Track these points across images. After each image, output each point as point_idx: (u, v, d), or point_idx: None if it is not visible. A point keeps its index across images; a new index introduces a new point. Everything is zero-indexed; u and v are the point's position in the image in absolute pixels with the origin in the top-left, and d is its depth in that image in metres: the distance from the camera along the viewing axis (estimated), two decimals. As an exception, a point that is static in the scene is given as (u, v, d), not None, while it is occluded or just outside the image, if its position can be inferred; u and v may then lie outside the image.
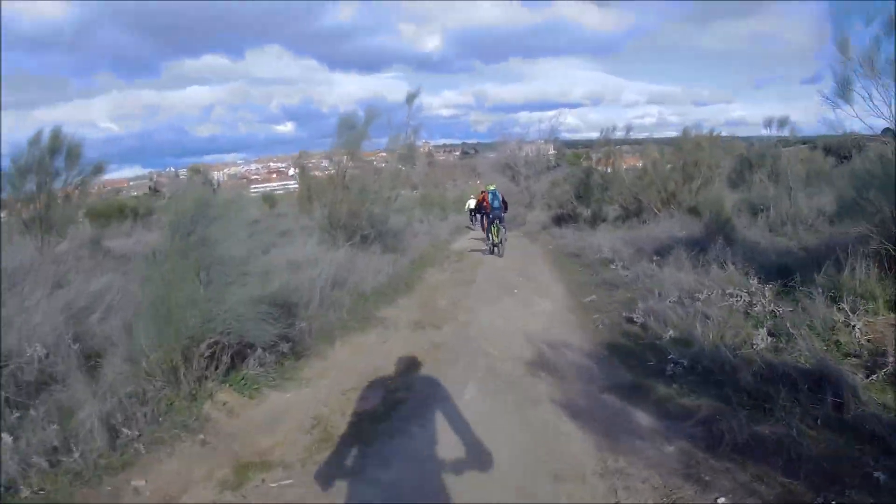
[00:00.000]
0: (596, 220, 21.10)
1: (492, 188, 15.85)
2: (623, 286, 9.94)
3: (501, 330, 8.14)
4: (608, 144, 21.83)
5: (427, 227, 23.67)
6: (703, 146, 18.50)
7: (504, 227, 15.30)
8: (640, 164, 20.76)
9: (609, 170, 21.12)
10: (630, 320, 7.69)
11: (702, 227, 12.57)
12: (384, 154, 15.54)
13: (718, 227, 12.00)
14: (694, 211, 17.99)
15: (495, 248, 15.05)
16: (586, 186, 22.62)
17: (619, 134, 21.05)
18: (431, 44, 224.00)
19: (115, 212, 21.04)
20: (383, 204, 13.70)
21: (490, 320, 8.84)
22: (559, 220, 23.86)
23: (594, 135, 26.38)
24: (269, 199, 34.72)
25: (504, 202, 15.22)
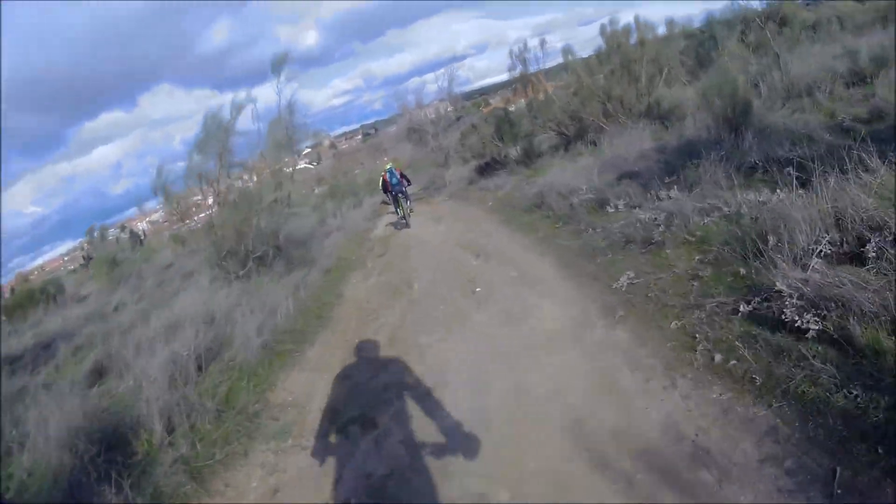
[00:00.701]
0: (530, 157, 16.94)
1: (388, 167, 15.27)
2: (662, 240, 5.68)
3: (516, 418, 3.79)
4: (523, 77, 17.56)
5: (341, 220, 20.09)
6: (640, 41, 14.61)
7: (408, 200, 15.20)
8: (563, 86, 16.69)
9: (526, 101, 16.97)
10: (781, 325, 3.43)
11: (713, 122, 8.49)
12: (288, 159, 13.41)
13: (737, 116, 8.00)
14: (651, 114, 14.16)
15: (407, 219, 14.59)
16: (509, 122, 18.29)
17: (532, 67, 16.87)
18: (310, 39, 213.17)
19: (26, 300, 17.59)
20: (269, 212, 10.87)
21: (468, 376, 4.47)
22: (484, 170, 19.53)
23: (488, 81, 23.86)
24: (178, 239, 28.79)
25: (403, 176, 15.02)
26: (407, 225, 14.38)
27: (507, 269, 7.37)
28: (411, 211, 15.12)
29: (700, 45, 14.57)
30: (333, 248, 13.58)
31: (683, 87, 14.78)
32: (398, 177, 14.70)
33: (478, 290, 6.77)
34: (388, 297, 7.92)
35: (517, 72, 17.36)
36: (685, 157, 7.72)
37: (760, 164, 6.39)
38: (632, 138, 11.60)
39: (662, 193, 6.79)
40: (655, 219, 6.12)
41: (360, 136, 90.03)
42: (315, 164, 79.48)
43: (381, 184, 15.47)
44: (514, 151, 17.82)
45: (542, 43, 16.28)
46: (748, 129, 7.71)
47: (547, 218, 9.35)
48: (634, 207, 7.04)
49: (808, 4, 14.40)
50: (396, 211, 15.38)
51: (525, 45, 16.52)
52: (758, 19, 13.50)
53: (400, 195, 14.69)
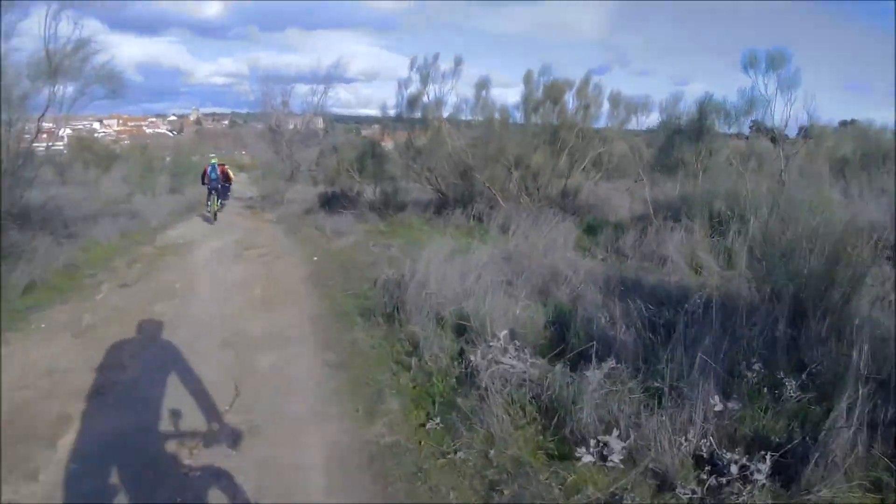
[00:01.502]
0: (390, 206, 12.14)
1: (213, 161, 14.74)
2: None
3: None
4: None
5: (148, 202, 15.58)
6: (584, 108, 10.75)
7: (221, 198, 14.89)
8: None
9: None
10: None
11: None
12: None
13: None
14: (563, 203, 10.21)
15: (214, 215, 14.05)
16: (375, 156, 13.36)
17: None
18: (212, 10, 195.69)
19: None
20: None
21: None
22: (329, 202, 14.35)
23: (368, 111, 20.22)
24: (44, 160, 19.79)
25: (226, 175, 14.98)
26: (212, 220, 13.94)
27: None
28: (219, 209, 14.70)
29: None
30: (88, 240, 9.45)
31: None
32: (218, 173, 14.35)
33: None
34: None
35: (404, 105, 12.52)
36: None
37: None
38: (548, 231, 7.29)
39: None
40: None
41: (227, 122, 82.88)
42: (175, 133, 72.12)
43: (201, 175, 14.63)
44: (370, 191, 12.83)
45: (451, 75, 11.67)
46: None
47: (405, 371, 4.26)
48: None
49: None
50: (207, 203, 14.64)
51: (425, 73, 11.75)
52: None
53: (214, 191, 14.25)
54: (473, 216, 10.60)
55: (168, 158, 24.11)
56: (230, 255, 9.35)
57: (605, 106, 11.45)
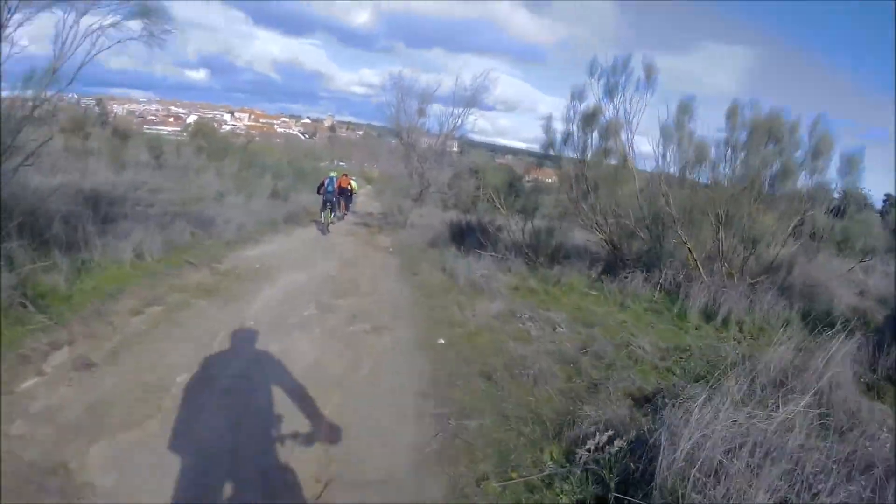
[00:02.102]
0: (541, 254, 9.42)
1: (332, 175, 15.03)
2: None
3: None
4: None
5: (239, 205, 13.12)
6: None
7: (335, 212, 14.76)
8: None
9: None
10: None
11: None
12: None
13: None
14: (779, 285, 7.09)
15: (326, 227, 13.91)
16: (527, 190, 10.63)
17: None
18: (361, 18, 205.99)
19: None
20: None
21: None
22: (462, 235, 11.88)
23: (505, 141, 17.55)
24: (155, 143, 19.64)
25: (343, 189, 15.53)
26: (325, 231, 13.73)
27: None
28: (333, 222, 14.60)
29: None
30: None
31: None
32: (335, 187, 14.59)
33: None
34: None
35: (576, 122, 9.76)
36: None
37: None
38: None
39: None
40: None
41: (360, 133, 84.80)
42: (308, 136, 74.28)
43: (318, 186, 14.70)
44: (517, 228, 10.13)
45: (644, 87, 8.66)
46: None
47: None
48: None
49: None
50: (321, 214, 14.51)
51: (613, 82, 8.85)
52: None
53: (329, 203, 14.28)
54: (661, 285, 7.66)
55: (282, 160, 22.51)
56: (306, 309, 6.10)
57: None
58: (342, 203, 15.67)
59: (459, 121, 18.27)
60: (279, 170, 17.69)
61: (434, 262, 9.54)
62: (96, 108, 21.54)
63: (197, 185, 13.64)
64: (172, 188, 12.65)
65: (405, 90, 17.82)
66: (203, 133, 19.52)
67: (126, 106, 78.70)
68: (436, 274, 8.57)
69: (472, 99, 17.70)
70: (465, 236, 11.49)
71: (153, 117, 79.94)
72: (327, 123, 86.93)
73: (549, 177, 11.42)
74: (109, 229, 6.96)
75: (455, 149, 27.13)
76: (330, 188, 14.05)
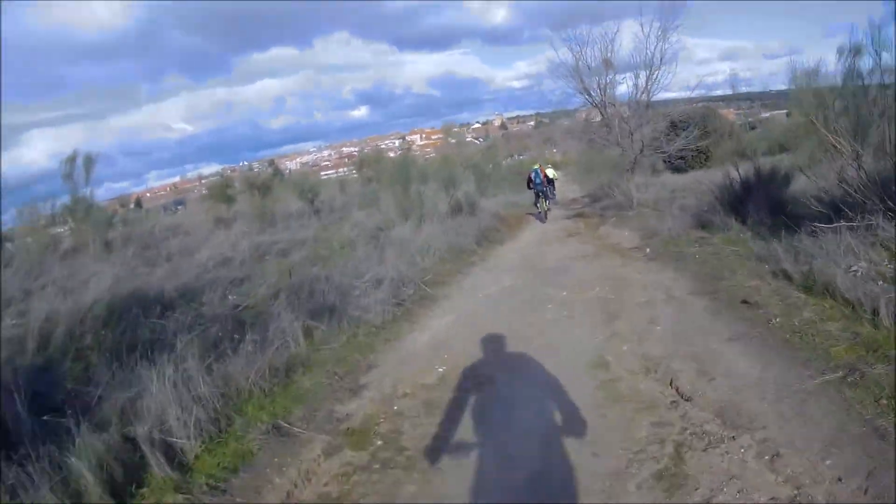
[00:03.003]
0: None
1: (535, 167, 15.09)
2: None
3: None
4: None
5: (408, 234, 9.66)
6: None
7: (549, 199, 15.19)
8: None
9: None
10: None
11: None
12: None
13: None
14: None
15: (545, 215, 14.27)
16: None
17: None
18: (499, 16, 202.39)
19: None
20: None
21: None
22: (741, 202, 7.54)
23: (672, 94, 13.70)
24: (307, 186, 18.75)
25: (547, 178, 15.46)
26: (543, 219, 14.06)
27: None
28: (549, 209, 14.68)
29: None
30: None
31: None
32: (542, 177, 14.56)
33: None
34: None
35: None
36: None
37: None
38: None
39: None
40: None
41: (531, 123, 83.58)
42: (481, 139, 76.58)
43: (526, 181, 14.87)
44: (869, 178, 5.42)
45: None
46: None
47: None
48: None
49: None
50: (536, 204, 14.62)
51: None
52: None
53: (541, 194, 14.43)
54: None
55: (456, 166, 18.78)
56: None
57: None
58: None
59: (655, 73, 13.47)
60: (452, 176, 14.51)
61: (739, 265, 5.55)
62: (269, 169, 21.72)
63: (351, 225, 11.07)
64: (307, 239, 10.22)
65: (583, 43, 13.67)
66: (368, 162, 17.99)
67: (298, 160, 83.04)
68: (765, 289, 4.62)
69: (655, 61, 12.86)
70: (751, 203, 7.20)
71: (327, 163, 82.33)
72: (497, 123, 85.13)
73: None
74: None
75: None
76: (537, 179, 14.28)
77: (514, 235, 11.68)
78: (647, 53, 12.63)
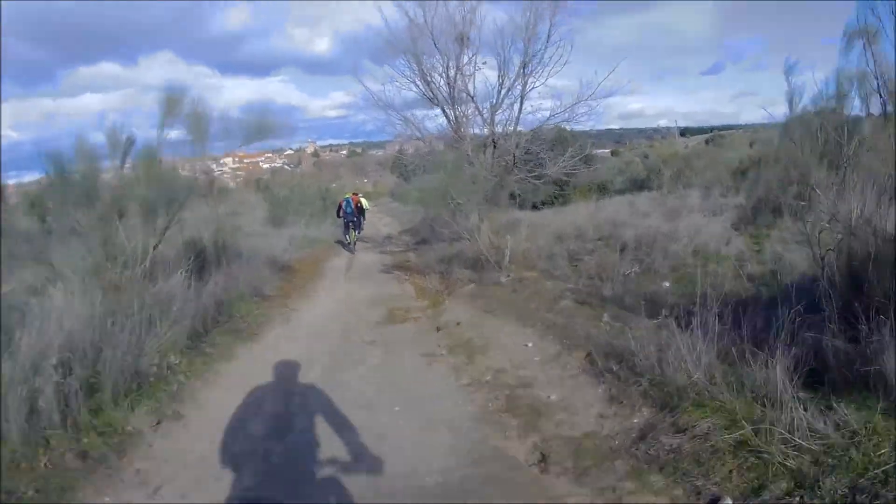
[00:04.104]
0: None
1: (347, 196, 14.51)
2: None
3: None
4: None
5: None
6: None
7: (358, 230, 14.19)
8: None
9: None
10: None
11: None
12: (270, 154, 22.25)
13: None
14: None
15: (353, 245, 13.69)
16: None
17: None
18: (322, 46, 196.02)
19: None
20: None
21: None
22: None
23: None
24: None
25: (359, 208, 14.18)
26: (351, 252, 13.39)
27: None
28: (356, 240, 13.92)
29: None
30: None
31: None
32: (353, 208, 13.96)
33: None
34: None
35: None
36: None
37: None
38: None
39: None
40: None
41: (344, 152, 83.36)
42: (291, 166, 74.48)
43: (336, 209, 14.47)
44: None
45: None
46: None
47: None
48: None
49: None
50: (346, 237, 14.17)
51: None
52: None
53: (350, 223, 13.90)
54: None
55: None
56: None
57: None
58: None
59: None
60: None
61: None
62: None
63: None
64: None
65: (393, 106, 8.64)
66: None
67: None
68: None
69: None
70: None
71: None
72: (309, 150, 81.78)
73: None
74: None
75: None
76: (349, 209, 13.72)
77: (288, 316, 5.86)
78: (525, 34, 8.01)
